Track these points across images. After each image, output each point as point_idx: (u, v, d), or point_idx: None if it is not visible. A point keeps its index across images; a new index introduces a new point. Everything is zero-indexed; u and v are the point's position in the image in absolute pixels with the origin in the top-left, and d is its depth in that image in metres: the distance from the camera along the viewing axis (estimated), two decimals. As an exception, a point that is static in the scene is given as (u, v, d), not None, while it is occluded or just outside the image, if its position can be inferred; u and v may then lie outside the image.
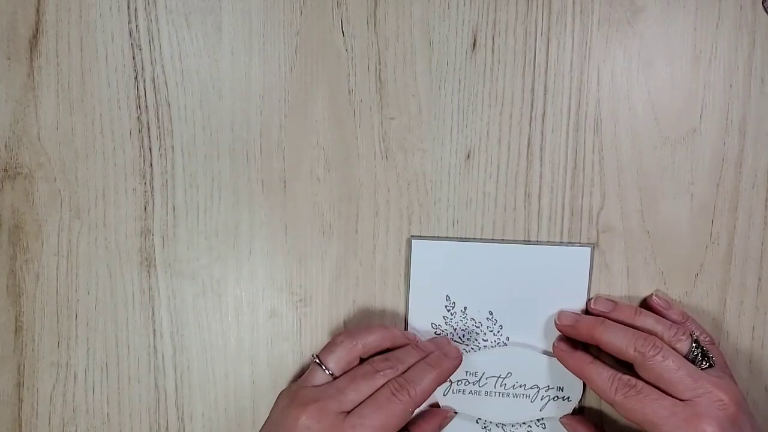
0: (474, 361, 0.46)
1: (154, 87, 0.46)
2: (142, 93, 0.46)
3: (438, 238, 0.46)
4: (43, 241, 0.46)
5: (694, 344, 0.42)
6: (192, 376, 0.47)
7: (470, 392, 0.47)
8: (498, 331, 0.47)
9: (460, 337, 0.47)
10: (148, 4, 0.45)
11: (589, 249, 0.46)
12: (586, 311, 0.46)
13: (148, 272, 0.47)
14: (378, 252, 0.47)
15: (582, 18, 0.45)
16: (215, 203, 0.46)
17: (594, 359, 0.43)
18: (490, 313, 0.46)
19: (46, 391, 0.47)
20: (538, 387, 0.46)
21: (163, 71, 0.46)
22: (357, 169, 0.46)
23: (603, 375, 0.42)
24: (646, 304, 0.46)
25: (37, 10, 0.45)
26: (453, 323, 0.47)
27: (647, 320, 0.43)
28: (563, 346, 0.45)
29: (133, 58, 0.45)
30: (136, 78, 0.46)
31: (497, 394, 0.46)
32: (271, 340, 0.47)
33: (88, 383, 0.47)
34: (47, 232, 0.46)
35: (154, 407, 0.47)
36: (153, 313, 0.47)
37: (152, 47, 0.45)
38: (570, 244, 0.46)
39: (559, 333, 0.46)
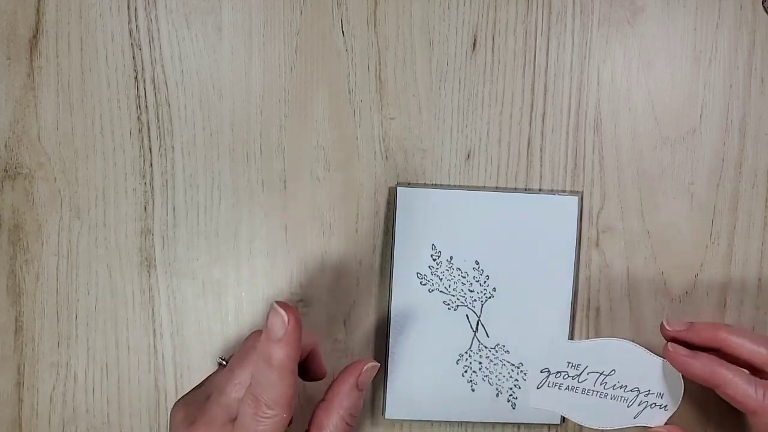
0: (577, 352, 0.44)
1: (154, 87, 0.46)
2: (142, 93, 0.46)
3: (425, 185, 0.46)
4: (43, 241, 0.46)
5: None
6: (192, 376, 0.47)
7: (567, 387, 0.45)
8: (485, 282, 0.46)
9: (446, 287, 0.46)
10: (148, 4, 0.45)
11: (576, 198, 0.46)
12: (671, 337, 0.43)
13: (148, 272, 0.47)
14: (378, 252, 0.47)
15: (582, 18, 0.45)
16: (215, 203, 0.46)
17: (724, 361, 0.40)
18: (477, 263, 0.46)
19: (46, 391, 0.47)
20: (638, 390, 0.44)
21: (163, 71, 0.46)
22: (357, 169, 0.46)
23: (741, 378, 0.38)
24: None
25: (37, 10, 0.45)
26: (439, 273, 0.46)
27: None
28: (682, 349, 0.41)
29: (133, 58, 0.45)
30: (136, 78, 0.46)
31: (595, 393, 0.44)
32: (271, 340, 0.47)
33: (88, 383, 0.47)
34: (47, 232, 0.46)
35: (154, 407, 0.47)
36: (153, 313, 0.47)
37: (152, 47, 0.45)
38: (558, 192, 0.46)
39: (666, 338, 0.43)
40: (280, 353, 0.34)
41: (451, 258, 0.46)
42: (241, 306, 0.47)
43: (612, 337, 0.45)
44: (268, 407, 0.34)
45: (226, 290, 0.47)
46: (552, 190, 0.46)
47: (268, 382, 0.34)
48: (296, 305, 0.47)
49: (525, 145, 0.46)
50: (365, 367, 0.39)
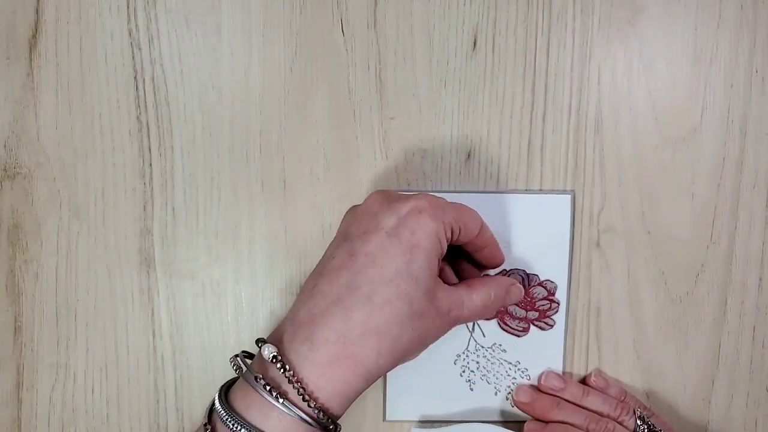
0: None
1: (154, 87, 0.45)
2: (141, 93, 0.46)
3: (423, 190, 0.46)
4: (42, 241, 0.46)
5: (639, 421, 0.44)
6: (192, 376, 0.47)
7: None
8: None
9: None
10: (148, 3, 0.45)
11: (569, 196, 0.46)
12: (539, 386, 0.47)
13: (148, 272, 0.47)
14: (378, 252, 0.46)
15: (582, 18, 0.45)
16: (215, 203, 0.46)
17: (560, 401, 0.45)
18: None
19: (45, 391, 0.47)
20: None
21: (163, 71, 0.45)
22: (357, 169, 0.46)
23: (575, 416, 0.44)
24: (584, 381, 0.47)
25: (37, 10, 0.45)
26: None
27: (595, 400, 0.45)
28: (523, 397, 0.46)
29: (133, 57, 0.45)
30: (135, 78, 0.45)
31: None
32: (271, 341, 0.47)
33: (88, 384, 0.47)
34: (46, 232, 0.46)
35: (153, 408, 0.47)
36: (152, 314, 0.47)
37: (152, 47, 0.45)
38: (550, 191, 0.46)
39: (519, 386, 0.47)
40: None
41: None
42: (240, 306, 0.47)
43: (474, 422, 0.47)
44: None
45: (225, 290, 0.47)
46: (546, 190, 0.46)
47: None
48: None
49: (525, 145, 0.46)
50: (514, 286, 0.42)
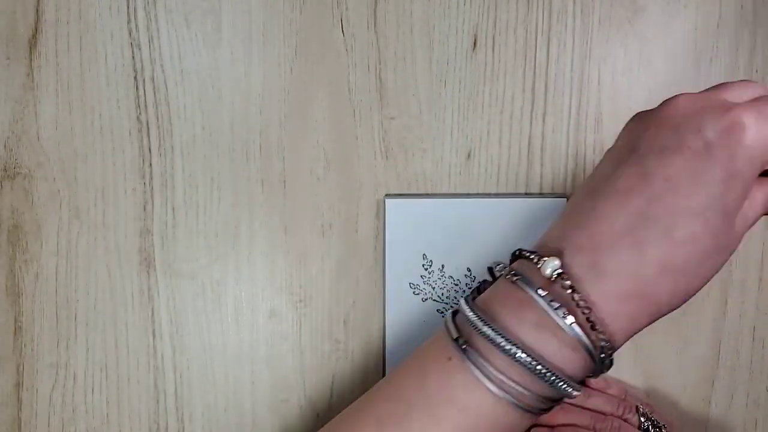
0: None
1: (154, 87, 0.45)
2: (141, 93, 0.46)
3: (413, 195, 0.46)
4: (42, 241, 0.46)
5: (642, 417, 0.44)
6: (192, 376, 0.47)
7: None
8: None
9: (439, 296, 0.46)
10: (148, 3, 0.45)
11: (565, 200, 0.46)
12: None
13: (148, 272, 0.47)
14: (378, 252, 0.47)
15: (582, 18, 0.45)
16: (215, 203, 0.46)
17: (564, 405, 0.45)
18: (468, 270, 0.46)
19: (45, 391, 0.47)
20: None
21: (163, 71, 0.45)
22: (357, 169, 0.46)
23: (580, 417, 0.44)
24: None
25: (37, 10, 0.45)
26: (431, 282, 0.46)
27: (597, 401, 0.45)
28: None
29: (133, 57, 0.45)
30: (135, 78, 0.45)
31: None
32: (271, 340, 0.47)
33: (88, 384, 0.47)
34: (47, 232, 0.46)
35: (153, 408, 0.47)
36: (152, 314, 0.47)
37: (152, 47, 0.45)
38: (546, 195, 0.46)
39: None
40: None
41: (443, 267, 0.46)
42: (240, 306, 0.47)
43: None
44: None
45: (225, 290, 0.47)
46: (546, 193, 0.46)
47: None
48: (296, 305, 0.47)
49: (525, 144, 0.46)
50: None
